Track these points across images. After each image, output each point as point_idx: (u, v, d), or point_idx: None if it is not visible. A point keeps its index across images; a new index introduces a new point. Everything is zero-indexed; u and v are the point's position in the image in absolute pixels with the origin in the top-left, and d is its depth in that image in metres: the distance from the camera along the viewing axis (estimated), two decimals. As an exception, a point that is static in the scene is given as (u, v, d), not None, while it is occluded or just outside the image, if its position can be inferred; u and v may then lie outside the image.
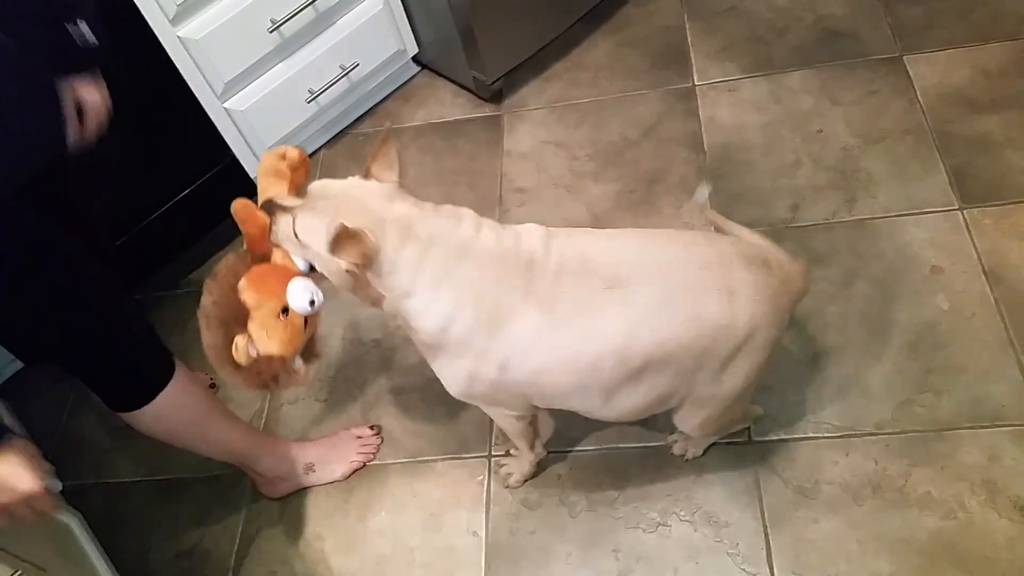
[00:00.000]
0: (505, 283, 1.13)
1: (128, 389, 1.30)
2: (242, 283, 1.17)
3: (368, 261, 1.08)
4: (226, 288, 1.18)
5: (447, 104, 2.28)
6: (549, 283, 1.13)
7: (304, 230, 1.11)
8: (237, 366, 1.18)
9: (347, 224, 1.04)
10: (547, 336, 1.14)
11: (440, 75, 2.34)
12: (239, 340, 1.16)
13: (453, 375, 1.23)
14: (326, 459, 1.65)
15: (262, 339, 1.16)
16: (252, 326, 1.16)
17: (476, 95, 2.26)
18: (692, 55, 2.19)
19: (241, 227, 1.21)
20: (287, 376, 1.23)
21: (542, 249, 1.15)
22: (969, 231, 1.68)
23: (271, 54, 1.93)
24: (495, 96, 2.24)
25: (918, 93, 1.94)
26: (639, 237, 1.21)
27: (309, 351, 1.29)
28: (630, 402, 1.22)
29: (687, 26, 2.27)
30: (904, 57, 2.02)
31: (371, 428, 1.70)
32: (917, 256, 1.67)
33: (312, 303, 1.17)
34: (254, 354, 1.16)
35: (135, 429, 1.35)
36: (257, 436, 1.60)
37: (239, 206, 1.20)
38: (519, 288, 1.13)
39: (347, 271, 1.09)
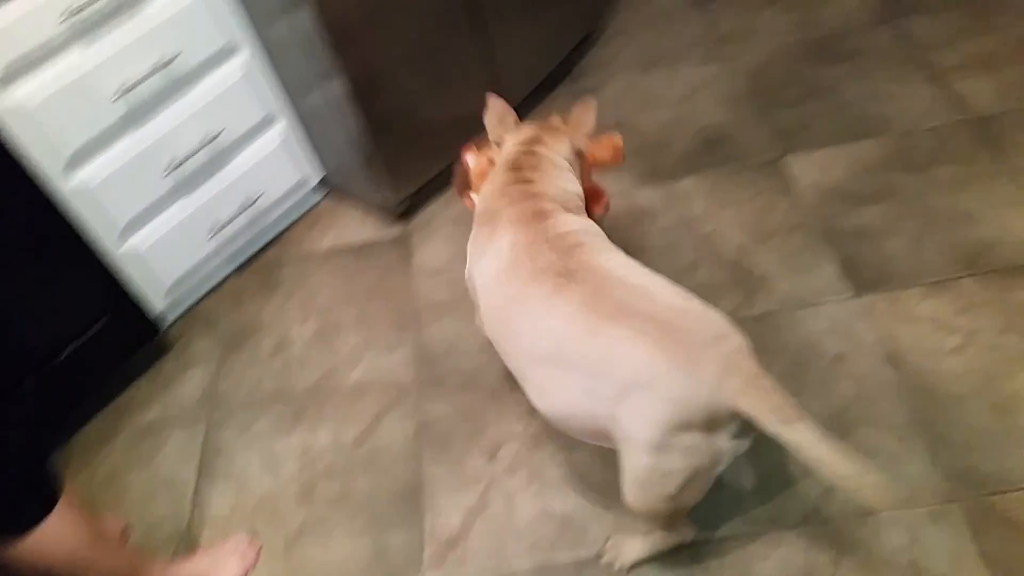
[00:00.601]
0: (512, 206, 1.40)
1: (7, 516, 1.26)
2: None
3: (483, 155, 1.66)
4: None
5: (355, 226, 2.30)
6: (539, 240, 1.33)
7: None
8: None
9: (492, 130, 1.62)
10: (497, 271, 1.36)
11: (347, 198, 2.37)
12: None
13: (469, 248, 1.51)
14: (207, 575, 1.61)
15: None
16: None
17: (384, 216, 2.29)
18: (589, 166, 2.29)
19: None
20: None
21: (562, 220, 1.37)
22: (866, 318, 1.77)
23: (169, 194, 1.92)
24: (403, 215, 2.28)
25: (800, 190, 2.07)
26: (637, 269, 1.31)
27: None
28: (549, 393, 1.30)
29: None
30: (784, 158, 2.16)
31: (249, 538, 1.68)
32: (819, 345, 1.75)
33: None
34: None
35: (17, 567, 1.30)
36: (141, 561, 1.55)
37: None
38: (516, 218, 1.37)
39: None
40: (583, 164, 1.63)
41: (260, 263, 2.27)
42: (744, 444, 1.24)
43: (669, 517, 1.42)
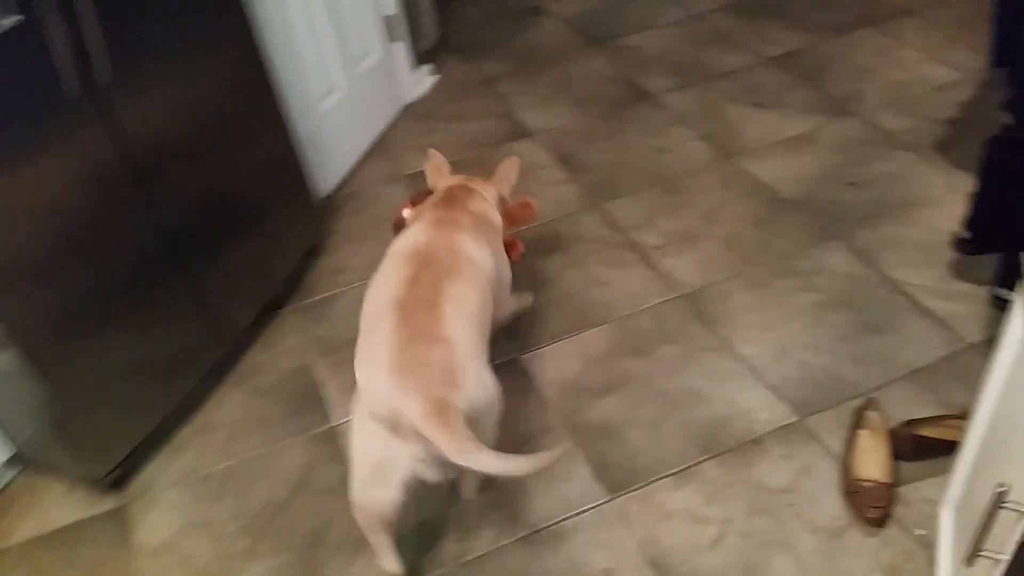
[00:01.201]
0: (435, 211, 1.81)
1: None
2: None
3: None
4: None
5: (58, 506, 1.96)
6: (436, 241, 1.68)
7: None
8: None
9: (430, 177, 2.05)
10: (397, 248, 1.70)
11: (45, 472, 2.03)
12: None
13: None
14: None
15: None
16: None
17: (92, 487, 1.98)
18: (327, 392, 2.15)
19: None
20: None
21: (465, 240, 1.71)
22: (623, 522, 1.75)
23: None
24: (116, 483, 1.98)
25: (543, 389, 2.07)
26: (469, 301, 1.58)
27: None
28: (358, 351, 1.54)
29: (318, 363, 2.24)
30: (521, 356, 2.16)
31: None
32: (586, 562, 1.69)
33: None
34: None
35: None
36: None
37: None
38: (433, 220, 1.76)
39: None
40: (504, 210, 1.99)
41: (-65, 572, 1.86)
42: (429, 472, 1.42)
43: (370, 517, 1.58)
